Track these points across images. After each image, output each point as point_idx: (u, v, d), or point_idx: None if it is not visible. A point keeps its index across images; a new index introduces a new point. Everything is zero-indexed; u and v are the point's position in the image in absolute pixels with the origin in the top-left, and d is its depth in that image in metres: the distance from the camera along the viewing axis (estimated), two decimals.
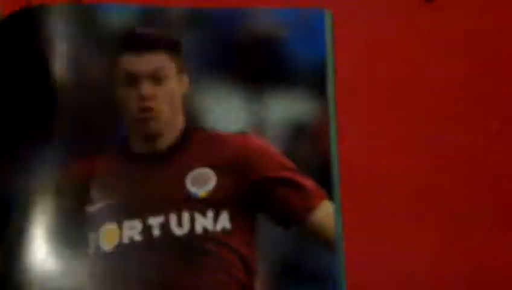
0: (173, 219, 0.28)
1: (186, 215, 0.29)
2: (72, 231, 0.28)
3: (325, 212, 0.30)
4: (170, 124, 0.30)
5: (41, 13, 0.32)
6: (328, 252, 0.29)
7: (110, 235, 0.28)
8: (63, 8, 0.32)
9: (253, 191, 0.29)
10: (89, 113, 0.30)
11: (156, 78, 0.31)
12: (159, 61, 0.32)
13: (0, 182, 0.28)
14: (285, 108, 0.32)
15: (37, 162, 0.29)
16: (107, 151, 0.30)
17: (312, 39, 0.33)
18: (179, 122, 0.30)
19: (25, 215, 0.27)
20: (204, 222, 0.29)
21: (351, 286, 0.28)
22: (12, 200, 0.28)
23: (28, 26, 0.32)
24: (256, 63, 0.32)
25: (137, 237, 0.28)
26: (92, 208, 0.28)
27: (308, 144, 0.31)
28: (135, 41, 0.32)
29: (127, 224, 0.28)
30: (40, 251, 0.27)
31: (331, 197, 0.30)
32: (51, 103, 0.30)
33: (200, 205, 0.29)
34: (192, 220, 0.28)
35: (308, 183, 0.30)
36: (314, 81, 0.32)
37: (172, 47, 0.32)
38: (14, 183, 0.28)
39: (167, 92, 0.31)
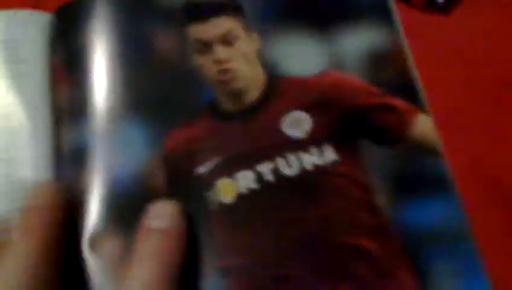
0: (281, 162, 0.29)
1: (291, 157, 0.29)
2: (188, 194, 0.29)
3: (422, 124, 0.30)
4: (251, 79, 0.31)
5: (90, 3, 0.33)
6: (434, 159, 0.29)
7: (226, 189, 0.29)
8: None
9: (348, 122, 0.30)
10: (172, 85, 0.31)
11: (227, 41, 0.32)
12: (225, 25, 0.32)
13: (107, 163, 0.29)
14: (356, 41, 0.32)
15: (138, 142, 0.30)
16: (201, 115, 0.30)
17: None
18: (260, 76, 0.31)
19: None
20: (311, 159, 0.29)
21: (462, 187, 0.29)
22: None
23: (86, 11, 0.33)
24: (316, 5, 0.33)
25: (253, 185, 0.29)
26: (202, 169, 0.29)
27: (388, 69, 0.32)
28: (199, 10, 0.33)
29: (239, 175, 0.29)
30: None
31: (423, 111, 0.31)
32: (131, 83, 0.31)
33: (302, 145, 0.29)
34: (300, 159, 0.29)
35: (398, 102, 0.31)
36: (377, 10, 0.33)
37: (234, 10, 0.33)
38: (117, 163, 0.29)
39: (240, 51, 0.32)
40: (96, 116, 0.31)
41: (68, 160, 0.30)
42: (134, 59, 0.32)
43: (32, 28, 0.33)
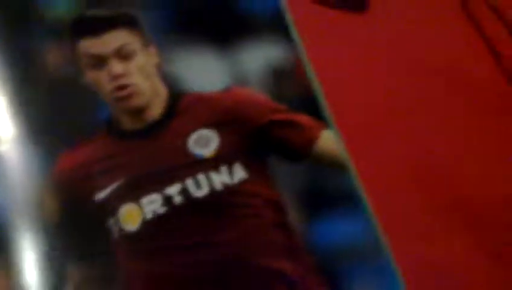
0: (190, 183, 0.28)
1: (202, 177, 0.28)
2: (86, 224, 0.26)
3: (327, 139, 0.30)
4: (152, 95, 0.30)
5: None
6: (342, 174, 0.29)
7: (131, 215, 0.27)
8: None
9: (255, 139, 0.29)
10: (62, 103, 0.29)
11: (123, 55, 0.30)
12: (120, 38, 0.30)
13: None
14: (257, 56, 0.32)
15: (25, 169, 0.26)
16: (96, 134, 0.28)
17: None
18: (161, 91, 0.30)
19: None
20: (221, 178, 0.28)
21: (372, 198, 0.29)
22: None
23: None
24: (217, 21, 0.32)
25: (161, 210, 0.27)
26: (101, 194, 0.27)
27: (289, 84, 0.32)
28: (90, 24, 0.31)
29: (145, 199, 0.27)
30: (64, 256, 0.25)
31: (326, 126, 0.31)
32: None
33: (211, 164, 0.28)
34: (210, 180, 0.28)
35: (304, 118, 0.30)
36: (276, 27, 0.33)
37: (129, 22, 0.31)
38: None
39: (137, 66, 0.30)
40: None
41: None
42: (17, 76, 0.29)
43: None
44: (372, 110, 0.32)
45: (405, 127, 0.31)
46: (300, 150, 0.29)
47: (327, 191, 0.31)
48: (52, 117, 0.29)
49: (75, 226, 0.26)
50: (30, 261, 0.25)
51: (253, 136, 0.29)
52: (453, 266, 0.29)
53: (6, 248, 0.24)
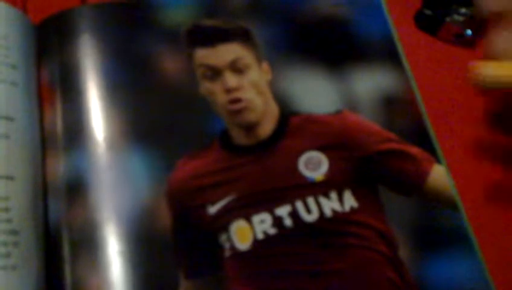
0: (300, 206, 0.27)
1: (311, 200, 0.27)
2: (198, 237, 0.26)
3: (439, 175, 0.29)
4: (264, 112, 0.29)
5: (88, 13, 0.30)
6: (451, 213, 0.28)
7: (242, 233, 0.26)
8: (111, 5, 0.30)
9: (365, 167, 0.28)
10: (178, 112, 0.28)
11: (237, 68, 0.30)
12: (234, 51, 0.30)
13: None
14: (369, 83, 0.31)
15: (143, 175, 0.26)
16: (210, 146, 0.28)
17: (373, 14, 0.33)
18: (273, 109, 0.29)
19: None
20: (331, 204, 0.27)
21: (482, 242, 0.28)
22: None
23: (77, 24, 0.29)
24: (330, 43, 0.31)
25: (271, 231, 0.26)
26: (213, 208, 0.26)
27: (401, 113, 0.31)
28: (206, 34, 0.30)
29: (256, 218, 0.26)
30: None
31: (437, 160, 0.30)
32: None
33: (321, 188, 0.27)
34: (319, 204, 0.27)
35: (415, 150, 0.29)
36: (387, 53, 0.32)
37: (244, 36, 0.31)
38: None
39: (251, 81, 0.29)
40: (93, 145, 0.27)
41: (61, 193, 0.26)
42: (135, 82, 0.29)
43: (22, 31, 0.29)
44: (481, 145, 0.31)
45: None
46: (412, 183, 0.28)
47: (437, 228, 0.30)
48: (168, 125, 0.29)
49: (187, 238, 0.25)
50: (137, 275, 0.24)
51: (362, 164, 0.28)
52: None
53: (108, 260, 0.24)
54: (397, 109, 0.31)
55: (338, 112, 0.30)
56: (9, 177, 0.25)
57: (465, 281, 0.27)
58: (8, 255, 0.23)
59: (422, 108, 0.32)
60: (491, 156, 0.31)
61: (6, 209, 0.24)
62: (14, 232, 0.24)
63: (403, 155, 0.30)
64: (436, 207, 0.29)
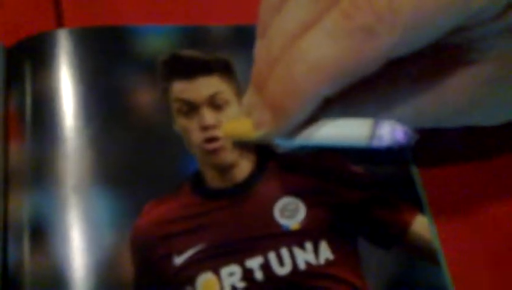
0: (272, 257, 0.26)
1: (285, 252, 0.26)
2: (164, 288, 0.24)
3: (421, 227, 0.28)
4: (242, 152, 0.28)
5: (65, 38, 0.28)
6: (431, 267, 0.27)
7: (208, 287, 0.24)
8: (89, 31, 0.28)
9: (346, 215, 0.27)
10: (148, 150, 0.27)
11: (215, 104, 0.28)
12: (213, 85, 0.29)
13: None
14: None
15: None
16: (181, 188, 0.26)
17: None
18: (251, 149, 0.28)
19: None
20: (305, 256, 0.26)
21: None
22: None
23: (50, 50, 0.28)
24: None
25: (240, 285, 0.25)
26: (180, 259, 0.25)
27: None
28: (184, 66, 0.29)
29: (225, 271, 0.25)
30: None
31: (421, 211, 0.28)
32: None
33: (296, 238, 0.26)
34: (293, 256, 0.26)
35: (398, 199, 0.28)
36: None
37: (224, 69, 0.29)
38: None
39: (229, 118, 0.28)
40: (59, 184, 0.25)
41: (22, 235, 0.25)
42: (107, 116, 0.27)
43: None
44: (469, 198, 0.30)
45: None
46: (393, 235, 0.27)
47: (413, 284, 0.29)
48: (137, 165, 0.28)
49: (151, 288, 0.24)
50: None
51: (344, 210, 0.27)
52: None
53: None
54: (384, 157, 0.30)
55: (319, 155, 0.28)
56: None
57: None
58: None
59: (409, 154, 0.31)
60: (481, 209, 0.30)
61: None
62: None
63: (387, 203, 0.28)
64: (416, 261, 0.27)
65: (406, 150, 0.27)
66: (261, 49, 0.25)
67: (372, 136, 0.22)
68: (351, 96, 0.24)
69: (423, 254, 0.28)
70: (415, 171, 0.29)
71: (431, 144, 0.29)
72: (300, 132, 0.23)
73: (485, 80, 0.24)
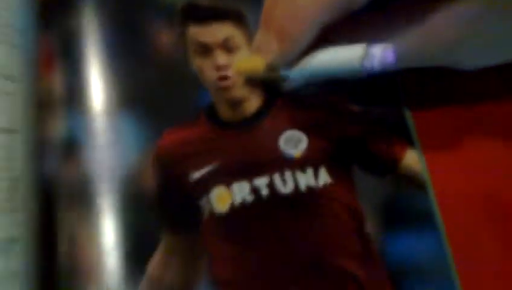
0: (277, 178, 0.29)
1: (288, 174, 0.29)
2: (182, 198, 0.28)
3: (412, 160, 0.31)
4: (251, 90, 0.31)
5: None
6: (420, 194, 0.30)
7: (221, 198, 0.28)
8: None
9: (344, 147, 0.30)
10: (169, 83, 0.30)
11: (227, 47, 0.31)
12: (227, 31, 0.32)
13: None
14: None
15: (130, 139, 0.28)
16: (197, 118, 0.30)
17: None
18: (259, 88, 0.31)
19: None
20: (306, 179, 0.29)
21: (447, 222, 0.30)
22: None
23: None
24: None
25: (248, 198, 0.28)
26: (197, 174, 0.28)
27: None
28: (199, 12, 0.32)
29: (235, 186, 0.28)
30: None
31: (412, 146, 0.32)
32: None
33: (298, 164, 0.29)
34: (295, 178, 0.29)
35: (392, 134, 0.31)
36: None
37: (237, 17, 0.32)
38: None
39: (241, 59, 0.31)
40: (89, 108, 0.29)
41: (57, 149, 0.28)
42: (131, 51, 0.31)
43: None
44: (457, 134, 0.33)
45: (491, 157, 0.32)
46: (387, 163, 0.30)
47: (403, 208, 0.32)
48: (159, 95, 0.31)
49: (170, 199, 0.27)
50: (124, 228, 0.26)
51: (342, 143, 0.30)
52: None
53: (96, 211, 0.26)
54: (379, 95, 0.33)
55: (322, 94, 0.31)
56: (12, 131, 0.27)
57: (426, 253, 0.29)
58: (9, 199, 0.25)
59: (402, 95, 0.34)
60: (469, 145, 0.33)
61: (9, 159, 0.26)
62: (15, 179, 0.26)
63: (382, 137, 0.31)
64: (406, 189, 0.30)
65: (393, 72, 0.31)
66: None
67: (365, 56, 0.25)
68: (344, 34, 0.27)
69: (413, 183, 0.31)
70: (407, 111, 0.33)
71: (422, 86, 0.33)
72: (301, 59, 0.27)
73: (470, 19, 0.27)
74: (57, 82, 0.30)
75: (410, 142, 0.32)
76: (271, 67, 0.28)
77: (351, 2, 0.26)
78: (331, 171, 0.30)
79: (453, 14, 0.27)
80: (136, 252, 0.26)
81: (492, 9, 0.27)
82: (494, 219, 0.31)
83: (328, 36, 0.27)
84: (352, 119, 0.32)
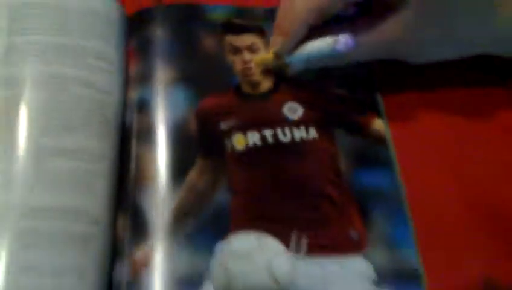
0: (279, 131, 0.42)
1: (287, 130, 0.42)
2: (212, 141, 0.41)
3: (379, 125, 0.44)
4: (265, 76, 0.45)
5: (169, 10, 0.47)
6: (382, 147, 0.42)
7: (239, 141, 0.41)
8: (181, 6, 0.47)
9: (329, 116, 0.43)
10: (211, 67, 0.44)
11: (252, 49, 0.46)
12: (251, 39, 0.46)
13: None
14: None
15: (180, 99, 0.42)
16: (228, 91, 0.43)
17: None
18: (271, 75, 0.45)
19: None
20: (300, 133, 0.42)
21: (401, 165, 0.42)
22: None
23: (156, 16, 0.46)
24: None
25: (258, 142, 0.41)
26: (225, 125, 0.42)
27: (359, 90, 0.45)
28: (235, 26, 0.47)
29: (249, 134, 0.41)
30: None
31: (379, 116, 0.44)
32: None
33: (295, 124, 0.43)
34: (292, 132, 0.42)
35: (366, 109, 0.44)
36: None
37: (259, 31, 0.47)
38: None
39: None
40: (156, 81, 0.44)
41: (134, 109, 0.43)
42: (186, 49, 0.45)
43: (120, 23, 0.47)
44: (414, 109, 0.45)
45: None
46: (361, 128, 0.42)
47: (370, 155, 0.43)
48: (202, 77, 0.45)
49: (204, 138, 0.41)
50: (174, 157, 0.40)
51: (327, 114, 0.43)
52: (457, 221, 0.40)
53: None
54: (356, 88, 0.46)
55: (316, 80, 0.45)
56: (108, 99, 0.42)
57: (384, 185, 0.40)
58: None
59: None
60: (423, 117, 0.45)
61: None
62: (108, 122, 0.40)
63: (358, 111, 0.44)
64: (373, 144, 0.43)
65: (369, 65, 0.44)
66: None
67: (335, 43, 0.38)
68: (323, 31, 0.41)
69: (378, 140, 0.43)
70: (378, 93, 0.45)
71: (390, 75, 0.45)
72: (297, 48, 0.40)
73: (407, 23, 0.40)
74: (134, 69, 0.45)
75: (378, 115, 0.45)
76: (277, 56, 0.42)
77: (329, 9, 0.39)
78: (318, 130, 0.43)
79: (397, 19, 0.40)
80: (181, 170, 0.40)
81: (421, 17, 0.40)
82: (437, 161, 0.43)
83: (314, 32, 0.41)
84: (336, 98, 0.45)
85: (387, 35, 0.41)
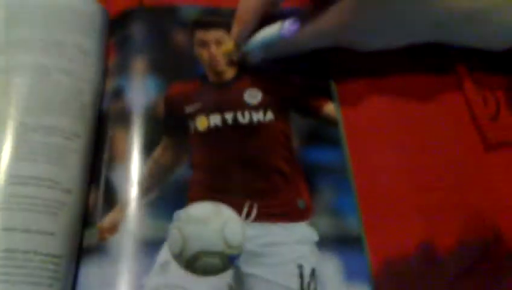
0: (239, 114, 0.47)
1: (246, 113, 0.47)
2: (178, 123, 0.46)
3: (331, 108, 0.48)
4: (229, 66, 0.49)
5: (148, 11, 0.52)
6: (333, 128, 0.47)
7: (202, 122, 0.46)
8: (158, 8, 0.52)
9: (285, 100, 0.48)
10: (181, 60, 0.49)
11: (218, 43, 0.51)
12: (219, 34, 0.51)
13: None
14: None
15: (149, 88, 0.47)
16: (194, 79, 0.48)
17: None
18: (235, 65, 0.49)
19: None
20: (257, 116, 0.47)
21: (349, 143, 0.47)
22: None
23: (135, 17, 0.51)
24: None
25: (219, 124, 0.46)
26: (190, 108, 0.47)
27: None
28: (204, 23, 0.52)
29: (211, 116, 0.46)
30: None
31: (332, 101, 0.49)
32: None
33: (253, 108, 0.47)
34: (250, 115, 0.47)
35: (319, 94, 0.48)
36: None
37: (225, 26, 0.52)
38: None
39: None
40: (131, 71, 0.49)
41: (111, 95, 0.48)
42: (159, 43, 0.50)
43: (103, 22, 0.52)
44: (364, 95, 0.49)
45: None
46: (314, 111, 0.47)
47: (321, 135, 0.47)
48: (172, 66, 0.51)
49: (170, 119, 0.45)
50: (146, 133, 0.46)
51: (284, 99, 0.47)
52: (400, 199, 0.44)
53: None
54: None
55: (274, 68, 0.49)
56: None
57: (332, 160, 0.44)
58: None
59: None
60: (372, 101, 0.49)
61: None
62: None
63: (312, 96, 0.48)
64: (324, 125, 0.47)
65: (324, 52, 0.48)
66: None
67: (281, 28, 0.43)
68: (272, 21, 0.45)
69: (329, 122, 0.48)
70: (331, 80, 0.50)
71: (343, 63, 0.50)
72: (251, 36, 0.45)
73: (349, 10, 0.44)
74: (113, 61, 0.50)
75: (331, 99, 0.49)
76: (236, 44, 0.47)
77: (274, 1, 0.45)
78: (274, 113, 0.47)
79: (335, 8, 0.45)
80: (148, 146, 0.45)
81: (363, 4, 0.44)
82: (382, 139, 0.47)
83: (267, 21, 0.46)
84: (292, 85, 0.49)
85: (329, 22, 0.45)
